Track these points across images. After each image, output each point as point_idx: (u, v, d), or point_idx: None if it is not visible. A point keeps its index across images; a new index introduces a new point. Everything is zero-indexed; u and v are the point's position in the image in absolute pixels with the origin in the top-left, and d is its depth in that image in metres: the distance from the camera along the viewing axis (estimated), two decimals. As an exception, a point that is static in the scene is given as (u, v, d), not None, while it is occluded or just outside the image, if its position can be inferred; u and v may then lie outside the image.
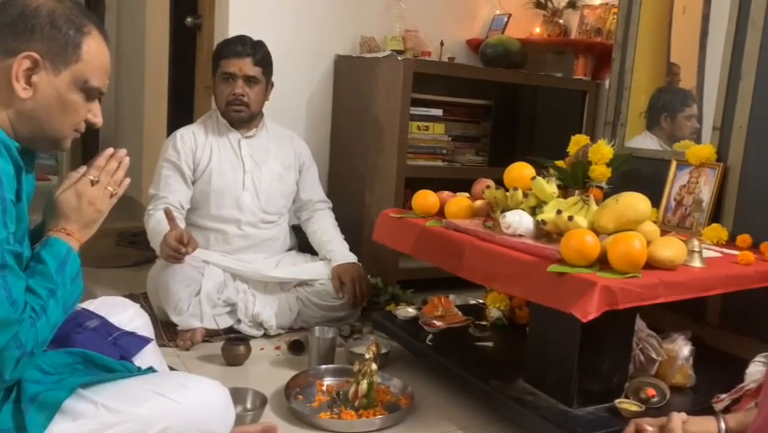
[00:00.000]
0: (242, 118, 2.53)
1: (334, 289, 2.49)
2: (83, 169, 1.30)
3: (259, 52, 2.51)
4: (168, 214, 2.23)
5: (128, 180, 1.33)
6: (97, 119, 1.27)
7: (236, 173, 2.54)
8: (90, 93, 1.23)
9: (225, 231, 2.54)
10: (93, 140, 5.25)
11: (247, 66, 2.48)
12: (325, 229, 2.66)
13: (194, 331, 2.30)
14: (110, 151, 1.32)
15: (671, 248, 1.66)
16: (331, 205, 2.77)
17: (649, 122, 2.51)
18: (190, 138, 2.53)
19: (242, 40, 2.52)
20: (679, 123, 2.42)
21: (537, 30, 3.50)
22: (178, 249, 2.20)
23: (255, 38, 2.55)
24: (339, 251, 2.58)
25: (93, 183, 1.28)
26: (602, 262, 1.60)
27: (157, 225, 2.38)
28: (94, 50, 1.21)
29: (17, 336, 1.09)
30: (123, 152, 1.33)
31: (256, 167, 2.57)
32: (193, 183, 2.53)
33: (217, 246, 2.53)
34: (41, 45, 1.16)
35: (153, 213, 2.44)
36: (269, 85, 2.58)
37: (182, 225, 2.45)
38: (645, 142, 2.52)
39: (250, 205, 2.55)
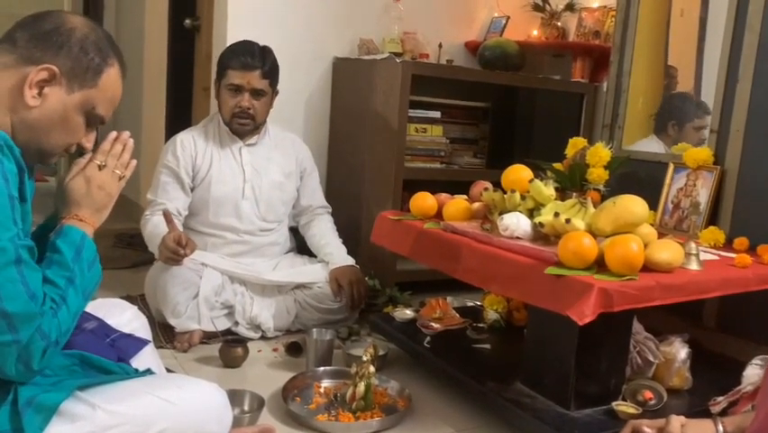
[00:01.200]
0: (247, 131, 2.51)
1: (332, 292, 2.48)
2: (89, 155, 1.31)
3: (267, 63, 2.46)
4: (166, 216, 2.23)
5: (134, 162, 1.35)
6: (89, 145, 1.29)
7: (236, 181, 2.52)
8: (93, 119, 1.26)
9: (224, 237, 2.53)
10: (91, 141, 5.25)
11: (255, 79, 2.43)
12: (324, 233, 2.66)
13: (191, 333, 2.30)
14: (114, 134, 1.34)
15: (668, 251, 1.66)
16: (330, 210, 2.77)
17: (657, 126, 2.50)
18: (190, 144, 2.50)
19: (250, 50, 2.45)
20: (686, 131, 2.40)
21: (535, 32, 3.50)
22: (177, 251, 2.20)
23: (253, 40, 2.53)
24: (337, 254, 2.58)
25: (100, 168, 1.30)
26: (599, 265, 1.60)
27: (154, 229, 2.37)
28: (111, 82, 1.25)
29: (40, 327, 1.10)
30: (126, 134, 1.35)
31: (257, 175, 2.55)
32: (192, 190, 2.50)
33: (215, 250, 2.52)
34: (64, 62, 1.19)
35: (150, 218, 2.44)
36: (274, 94, 2.55)
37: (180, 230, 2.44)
38: (651, 145, 2.50)
39: (249, 213, 2.54)
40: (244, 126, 2.49)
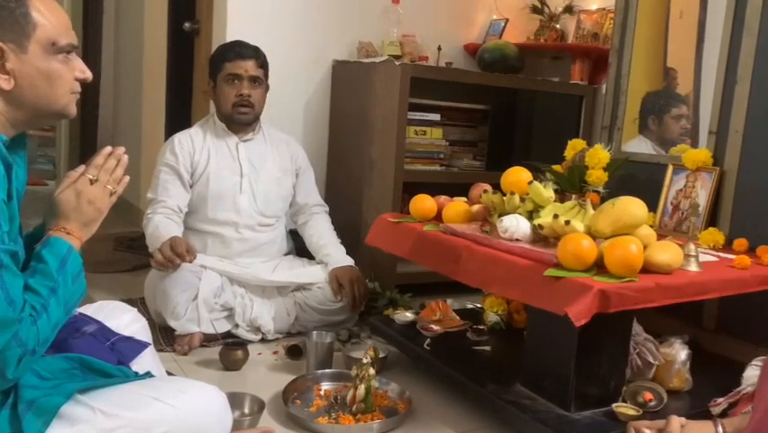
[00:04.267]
0: (248, 120, 2.55)
1: (333, 292, 2.49)
2: (82, 168, 1.30)
3: (260, 55, 2.56)
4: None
5: (127, 178, 1.33)
6: (86, 74, 1.27)
7: (234, 176, 2.55)
8: (64, 51, 1.22)
9: (223, 235, 2.54)
10: (90, 144, 5.26)
11: (251, 67, 2.52)
12: (322, 233, 2.67)
13: (191, 336, 2.30)
14: (108, 149, 1.32)
15: (667, 252, 1.66)
16: (327, 208, 2.78)
17: (641, 125, 2.53)
18: (188, 142, 2.55)
19: (242, 43, 2.57)
20: (666, 124, 2.42)
21: (534, 35, 3.51)
22: (173, 259, 2.22)
23: (251, 43, 2.58)
24: (335, 254, 2.59)
25: (92, 182, 1.28)
26: (599, 267, 1.60)
27: (155, 230, 2.38)
28: (44, 11, 1.20)
29: (17, 334, 1.09)
30: (121, 149, 1.33)
31: (253, 170, 2.58)
32: (191, 187, 2.53)
33: (215, 250, 2.53)
34: None
35: (152, 217, 2.45)
36: (267, 88, 2.61)
37: (180, 228, 2.45)
38: (640, 146, 2.52)
39: (247, 208, 2.56)
40: (245, 115, 2.53)
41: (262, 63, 2.56)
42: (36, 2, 1.19)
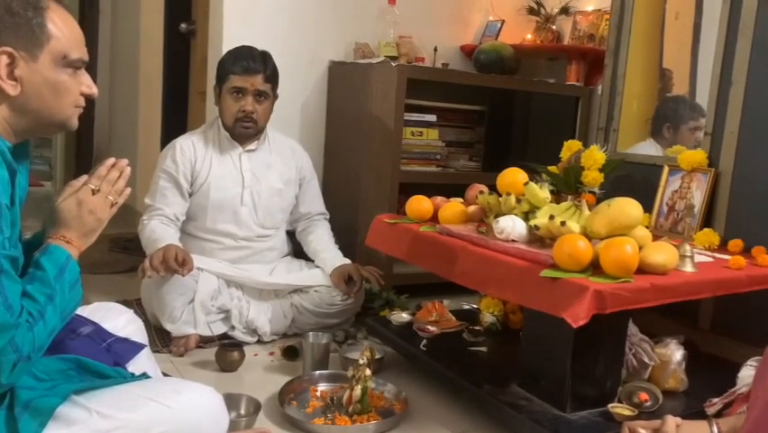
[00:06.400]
0: (250, 134, 2.51)
1: (341, 290, 2.48)
2: (84, 177, 1.31)
3: (268, 67, 2.48)
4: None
5: (128, 190, 1.34)
6: (92, 90, 1.27)
7: (235, 188, 2.51)
8: (74, 65, 1.23)
9: (222, 243, 2.53)
10: (87, 146, 5.26)
11: (258, 82, 2.44)
12: (320, 238, 2.66)
13: (188, 337, 2.30)
14: (111, 160, 1.33)
15: (663, 253, 1.66)
16: (328, 216, 2.77)
17: (653, 129, 2.51)
18: (190, 149, 2.50)
19: (251, 54, 2.47)
20: (682, 134, 2.41)
21: (530, 36, 3.51)
22: (158, 270, 2.20)
23: (249, 44, 2.54)
24: (332, 258, 2.58)
25: (94, 192, 1.29)
26: (595, 267, 1.60)
27: (151, 235, 2.37)
28: (60, 24, 1.21)
29: (13, 340, 1.09)
30: (124, 161, 1.34)
31: (256, 182, 2.54)
32: (190, 195, 2.50)
33: (212, 255, 2.52)
34: (9, 37, 1.15)
35: (148, 222, 2.44)
36: (274, 98, 2.56)
37: (177, 234, 2.44)
38: (649, 149, 2.50)
39: (247, 220, 2.54)
40: (247, 130, 2.49)
41: (270, 76, 2.47)
42: (53, 14, 1.20)
